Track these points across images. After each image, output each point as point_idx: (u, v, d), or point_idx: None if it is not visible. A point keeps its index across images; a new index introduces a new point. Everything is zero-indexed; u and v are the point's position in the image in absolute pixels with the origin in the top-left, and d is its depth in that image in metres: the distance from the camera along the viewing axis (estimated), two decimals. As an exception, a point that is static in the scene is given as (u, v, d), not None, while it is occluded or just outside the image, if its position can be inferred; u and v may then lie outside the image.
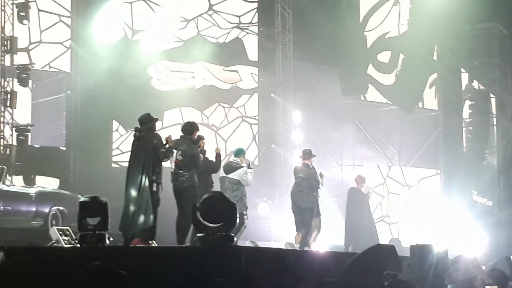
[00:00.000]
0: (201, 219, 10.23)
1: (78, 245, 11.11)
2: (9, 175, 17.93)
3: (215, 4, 23.87)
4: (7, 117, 20.11)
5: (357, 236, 18.60)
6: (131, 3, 22.98)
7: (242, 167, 14.83)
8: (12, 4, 20.41)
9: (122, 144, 22.09)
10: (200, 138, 13.77)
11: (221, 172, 14.81)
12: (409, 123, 25.59)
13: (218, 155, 14.41)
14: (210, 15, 23.81)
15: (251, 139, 23.87)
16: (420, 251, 10.56)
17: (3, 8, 20.42)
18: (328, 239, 19.29)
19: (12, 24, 20.38)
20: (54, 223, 16.79)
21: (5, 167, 17.16)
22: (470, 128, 26.78)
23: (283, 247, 16.74)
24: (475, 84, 27.18)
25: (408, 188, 25.81)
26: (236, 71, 23.94)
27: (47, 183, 20.25)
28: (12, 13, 20.39)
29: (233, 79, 23.90)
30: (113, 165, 22.21)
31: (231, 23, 24.01)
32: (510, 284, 9.25)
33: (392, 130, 25.51)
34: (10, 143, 20.00)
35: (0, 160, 19.18)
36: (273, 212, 22.74)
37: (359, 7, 25.22)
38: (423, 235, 23.03)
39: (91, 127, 21.48)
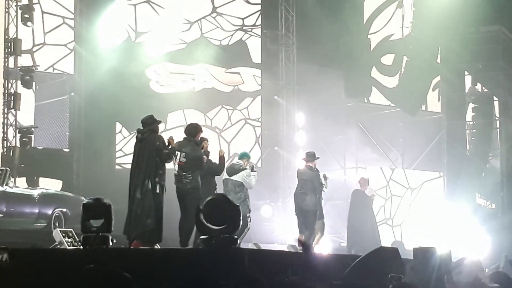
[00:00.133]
0: (204, 221, 10.20)
1: (81, 247, 11.09)
2: (13, 177, 17.93)
3: (218, 7, 23.86)
4: (11, 118, 20.13)
5: (360, 238, 18.58)
6: (135, 5, 22.99)
7: (245, 169, 14.82)
8: (16, 6, 20.45)
9: (125, 146, 22.09)
10: (204, 139, 13.75)
11: (224, 174, 14.78)
12: (412, 125, 25.53)
13: (221, 158, 14.37)
14: (213, 18, 23.80)
15: (254, 142, 23.84)
16: (423, 253, 10.56)
17: (7, 10, 20.44)
18: (331, 241, 19.27)
19: (16, 26, 20.42)
20: (57, 224, 16.81)
21: (9, 169, 17.15)
22: (473, 131, 26.69)
23: (286, 249, 16.71)
24: (479, 87, 27.12)
25: (411, 191, 25.74)
26: (238, 73, 23.93)
27: (51, 185, 20.21)
28: (16, 15, 20.44)
29: (235, 81, 23.88)
30: (117, 167, 22.20)
31: (235, 25, 24.00)
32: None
33: (395, 133, 25.46)
34: (14, 144, 20.03)
35: (3, 162, 19.23)
36: (276, 215, 22.69)
37: (362, 9, 25.16)
38: (426, 237, 22.94)
39: (94, 129, 21.48)
